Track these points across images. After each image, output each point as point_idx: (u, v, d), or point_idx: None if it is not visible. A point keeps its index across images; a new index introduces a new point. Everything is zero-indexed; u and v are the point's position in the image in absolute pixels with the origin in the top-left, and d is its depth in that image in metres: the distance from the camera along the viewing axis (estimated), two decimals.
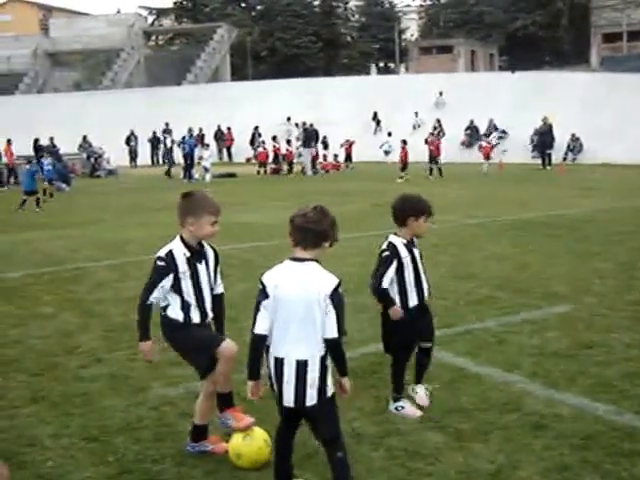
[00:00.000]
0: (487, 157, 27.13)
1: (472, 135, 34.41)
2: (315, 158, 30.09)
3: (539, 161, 29.48)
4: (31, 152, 30.78)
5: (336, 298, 3.42)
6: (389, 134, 32.70)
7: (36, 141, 31.31)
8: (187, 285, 4.08)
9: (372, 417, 4.64)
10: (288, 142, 30.77)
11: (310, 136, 29.17)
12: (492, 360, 5.62)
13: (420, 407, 4.74)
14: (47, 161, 22.52)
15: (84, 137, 34.06)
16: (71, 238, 12.97)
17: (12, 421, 4.77)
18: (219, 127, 37.73)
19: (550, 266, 9.04)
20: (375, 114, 37.03)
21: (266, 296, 3.49)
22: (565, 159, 30.99)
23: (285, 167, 29.83)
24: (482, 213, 14.57)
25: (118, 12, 60.67)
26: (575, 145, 31.82)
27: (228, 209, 17.21)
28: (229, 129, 37.47)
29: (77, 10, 76.98)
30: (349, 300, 7.52)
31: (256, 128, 35.84)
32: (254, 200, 18.88)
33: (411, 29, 77.70)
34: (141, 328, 4.08)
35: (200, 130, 36.94)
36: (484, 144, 28.10)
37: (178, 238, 4.15)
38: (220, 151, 37.97)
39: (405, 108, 35.99)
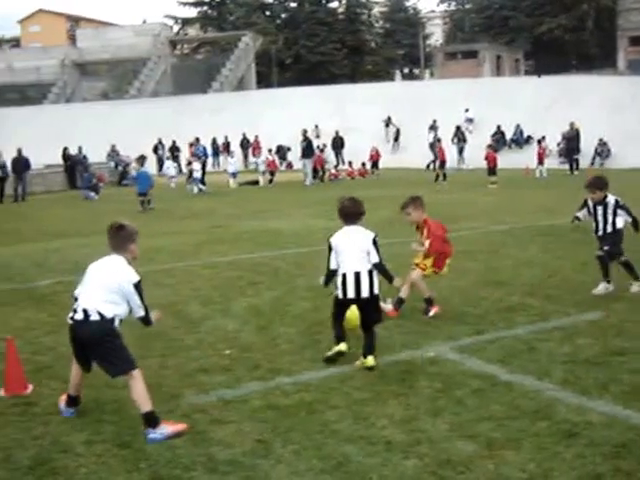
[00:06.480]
0: (541, 161, 27.11)
1: (499, 140, 34.15)
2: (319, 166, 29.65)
3: (566, 166, 29.19)
4: (60, 161, 31.30)
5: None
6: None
7: (65, 150, 31.74)
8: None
9: (402, 425, 4.63)
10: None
11: (310, 146, 28.79)
12: (523, 368, 5.59)
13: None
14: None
15: (112, 146, 34.42)
16: (99, 246, 13.01)
17: (46, 427, 4.85)
18: (244, 135, 37.88)
19: (580, 272, 8.95)
20: (397, 133, 36.63)
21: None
22: (593, 164, 30.61)
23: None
24: (510, 219, 14.43)
25: (144, 22, 61.56)
26: (603, 150, 31.42)
27: (255, 217, 17.39)
28: (257, 137, 37.57)
29: (104, 20, 78.05)
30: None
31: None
32: (279, 207, 18.92)
33: (436, 35, 77.67)
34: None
35: (225, 138, 37.13)
36: (538, 148, 27.95)
37: (124, 261, 4.85)
38: (246, 158, 38.12)
39: (430, 114, 35.80)
